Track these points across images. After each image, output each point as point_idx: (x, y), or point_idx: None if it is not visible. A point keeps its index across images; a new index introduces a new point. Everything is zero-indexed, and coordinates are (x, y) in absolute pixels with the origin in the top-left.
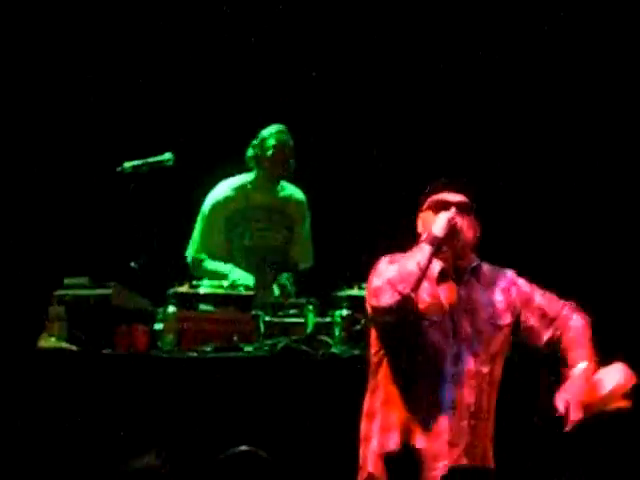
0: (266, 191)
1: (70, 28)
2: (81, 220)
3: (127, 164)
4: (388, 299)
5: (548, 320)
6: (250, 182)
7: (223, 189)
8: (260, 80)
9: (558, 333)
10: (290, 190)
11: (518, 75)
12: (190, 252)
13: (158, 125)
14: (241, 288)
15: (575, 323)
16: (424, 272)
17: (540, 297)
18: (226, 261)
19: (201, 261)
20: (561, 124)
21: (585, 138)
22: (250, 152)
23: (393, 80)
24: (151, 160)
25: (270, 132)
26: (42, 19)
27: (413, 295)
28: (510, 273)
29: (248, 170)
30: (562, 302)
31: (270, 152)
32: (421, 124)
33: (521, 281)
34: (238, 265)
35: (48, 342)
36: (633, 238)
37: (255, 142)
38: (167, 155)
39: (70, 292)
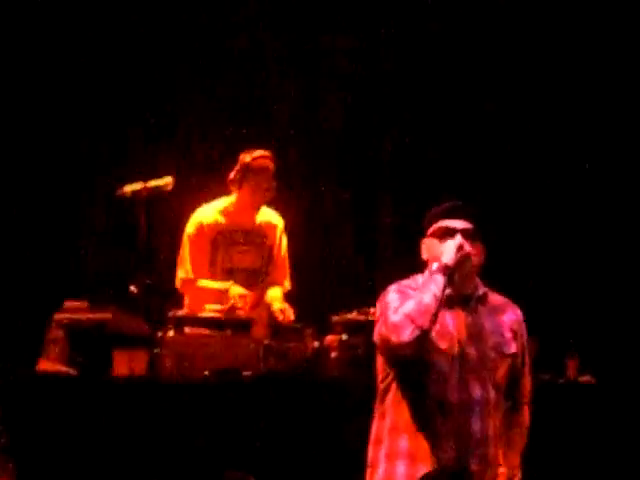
0: (247, 214)
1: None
2: (81, 243)
3: (127, 188)
4: (409, 335)
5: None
6: (232, 205)
7: (206, 212)
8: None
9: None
10: (268, 214)
11: (515, 94)
12: (180, 274)
13: (156, 148)
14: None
15: (523, 420)
16: (440, 303)
17: (527, 362)
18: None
19: (192, 282)
20: (560, 144)
21: (583, 156)
22: (232, 176)
23: (391, 100)
24: (151, 184)
25: (253, 157)
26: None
27: (431, 328)
28: (520, 311)
29: (229, 193)
30: (528, 386)
31: (252, 178)
32: (417, 146)
33: (525, 329)
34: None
35: (47, 365)
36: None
37: (237, 166)
38: (167, 179)
39: (69, 315)
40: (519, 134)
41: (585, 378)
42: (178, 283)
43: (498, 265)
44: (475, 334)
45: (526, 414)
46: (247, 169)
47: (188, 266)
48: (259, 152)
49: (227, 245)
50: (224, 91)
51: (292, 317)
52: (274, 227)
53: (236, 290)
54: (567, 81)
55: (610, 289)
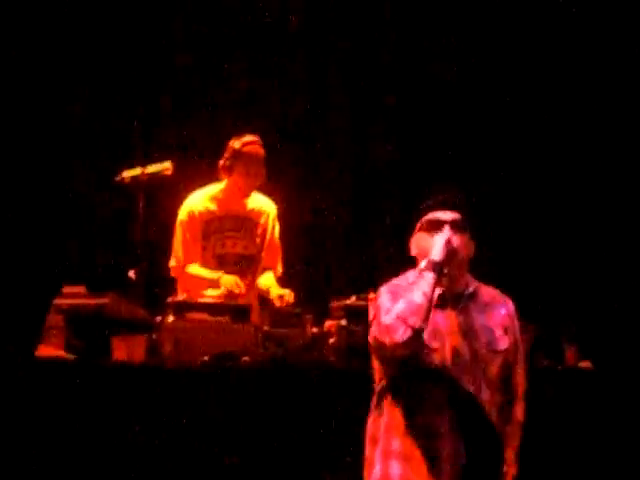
0: (238, 200)
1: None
2: (80, 228)
3: (126, 173)
4: (402, 335)
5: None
6: (222, 191)
7: (198, 198)
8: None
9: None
10: (260, 200)
11: (505, 84)
12: (171, 262)
13: (155, 134)
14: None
15: (517, 415)
16: (431, 301)
17: (519, 357)
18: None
19: (183, 269)
20: (550, 135)
21: (578, 149)
22: (222, 162)
23: (385, 89)
24: (150, 170)
25: (242, 142)
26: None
27: (424, 327)
28: (511, 304)
29: (220, 180)
30: (522, 380)
31: (242, 164)
32: (409, 136)
33: (517, 323)
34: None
35: (46, 351)
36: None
37: (227, 153)
38: (166, 164)
39: (67, 301)
40: (512, 123)
41: (584, 364)
42: (170, 270)
43: (496, 253)
44: (466, 332)
45: (520, 409)
46: (237, 155)
47: (180, 253)
48: (248, 137)
49: (218, 232)
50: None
51: (292, 300)
52: (266, 213)
53: (227, 279)
54: (559, 71)
55: (609, 276)
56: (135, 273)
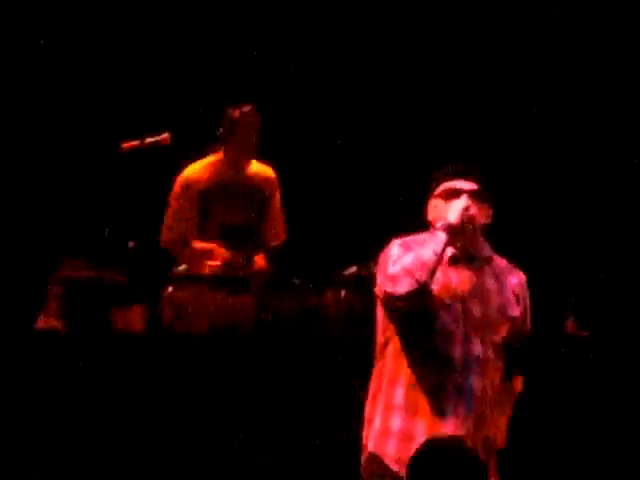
0: (236, 169)
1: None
2: (80, 201)
3: (124, 144)
4: (405, 287)
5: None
6: (220, 161)
7: (193, 169)
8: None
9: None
10: (259, 168)
11: (521, 66)
12: (166, 234)
13: (153, 104)
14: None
15: (515, 385)
16: (440, 260)
17: (527, 327)
18: (201, 239)
19: (175, 241)
20: (565, 117)
21: (588, 132)
22: (219, 131)
23: (394, 63)
24: (149, 140)
25: (240, 111)
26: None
27: (429, 283)
28: (523, 276)
29: (218, 149)
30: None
31: (238, 132)
32: (424, 107)
33: (527, 294)
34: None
35: (46, 322)
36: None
37: (224, 122)
38: (164, 135)
39: (67, 273)
40: (527, 103)
41: (583, 333)
42: (162, 242)
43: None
44: (479, 292)
45: (520, 380)
46: (233, 123)
47: (172, 225)
48: (245, 107)
49: (218, 202)
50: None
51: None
52: (266, 180)
53: (220, 251)
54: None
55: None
56: (134, 244)
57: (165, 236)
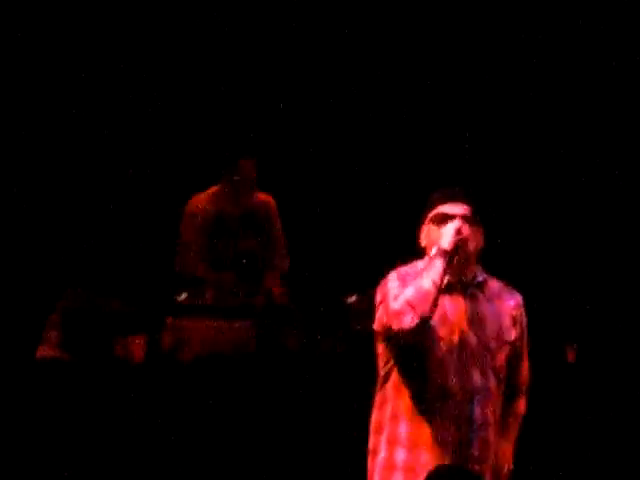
0: (237, 200)
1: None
2: (81, 232)
3: None
4: (409, 322)
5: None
6: (222, 193)
7: (198, 200)
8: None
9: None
10: (259, 196)
11: (510, 78)
12: (179, 263)
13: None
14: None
15: (519, 409)
16: (440, 290)
17: (525, 349)
18: (208, 270)
19: (191, 270)
20: (555, 131)
21: (581, 143)
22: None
23: (389, 86)
24: None
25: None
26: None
27: (432, 315)
28: (520, 297)
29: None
30: (526, 374)
31: (234, 182)
32: (415, 132)
33: (524, 316)
34: (220, 272)
35: (46, 351)
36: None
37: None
38: None
39: (69, 303)
40: (517, 119)
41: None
42: (179, 271)
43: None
44: (475, 321)
45: (522, 403)
46: (233, 172)
47: (184, 256)
48: (243, 161)
49: (220, 231)
50: None
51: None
52: (265, 208)
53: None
54: (561, 67)
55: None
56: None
57: (181, 263)
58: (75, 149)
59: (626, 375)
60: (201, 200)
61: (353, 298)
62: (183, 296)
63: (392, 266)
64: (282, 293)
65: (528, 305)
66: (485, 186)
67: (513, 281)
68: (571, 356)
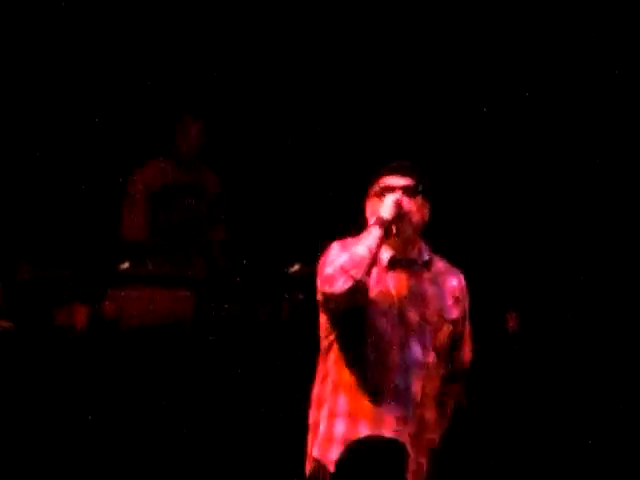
0: (185, 170)
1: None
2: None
3: None
4: (341, 285)
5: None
6: (168, 161)
7: (146, 170)
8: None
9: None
10: (206, 171)
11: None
12: (124, 233)
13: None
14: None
15: (457, 389)
16: (375, 256)
17: (467, 330)
18: (152, 238)
19: (135, 238)
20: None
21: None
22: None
23: (336, 62)
24: None
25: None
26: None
27: (366, 280)
28: (462, 277)
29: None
30: (467, 359)
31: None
32: (371, 106)
33: (467, 295)
34: (163, 241)
35: None
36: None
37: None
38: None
39: (12, 272)
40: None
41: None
42: (124, 241)
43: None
44: (417, 297)
45: (461, 383)
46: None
47: (129, 225)
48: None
49: (168, 200)
50: None
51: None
52: (213, 183)
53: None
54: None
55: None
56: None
57: (125, 233)
58: (15, 120)
59: (568, 343)
60: (148, 168)
61: (296, 267)
62: (125, 265)
63: (340, 237)
64: (224, 262)
65: (469, 274)
66: (431, 161)
67: (455, 249)
68: (512, 324)
